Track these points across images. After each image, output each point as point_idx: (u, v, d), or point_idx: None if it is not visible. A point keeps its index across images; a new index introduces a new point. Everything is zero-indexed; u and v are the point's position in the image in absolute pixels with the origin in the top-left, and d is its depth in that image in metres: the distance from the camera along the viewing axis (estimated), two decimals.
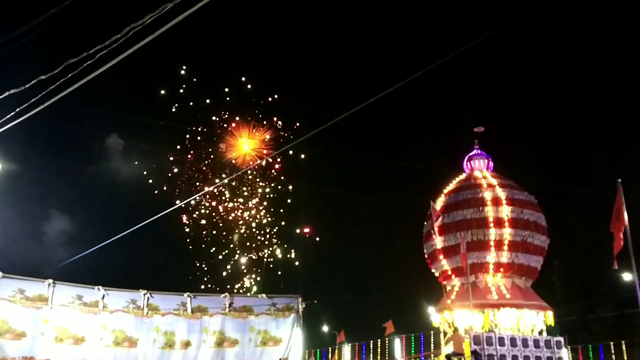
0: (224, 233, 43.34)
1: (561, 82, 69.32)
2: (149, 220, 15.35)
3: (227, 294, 12.01)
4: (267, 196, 43.28)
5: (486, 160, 38.27)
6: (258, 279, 45.46)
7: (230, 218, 41.92)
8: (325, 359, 42.81)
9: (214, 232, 42.53)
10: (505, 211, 34.25)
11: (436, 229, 33.99)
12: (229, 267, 44.62)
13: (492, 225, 33.93)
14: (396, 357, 37.13)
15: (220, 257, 44.45)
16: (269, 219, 45.28)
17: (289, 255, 46.04)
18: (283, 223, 46.31)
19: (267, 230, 45.68)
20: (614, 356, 34.70)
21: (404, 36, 73.63)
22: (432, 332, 35.72)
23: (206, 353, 11.35)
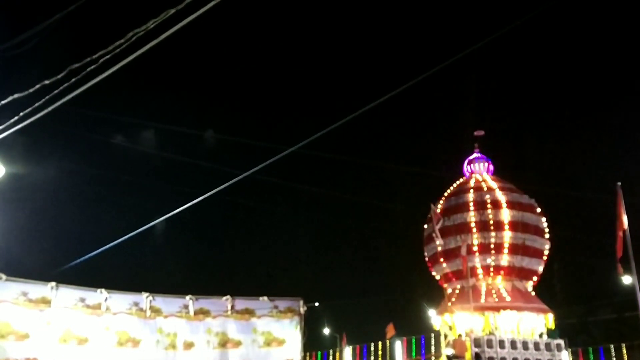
0: None
1: (561, 86, 69.44)
2: (151, 223, 15.45)
3: (228, 296, 12.06)
4: None
5: (486, 164, 38.37)
6: None
7: None
8: None
9: None
10: (505, 214, 34.34)
11: (437, 232, 34.09)
12: None
13: (492, 228, 34.01)
14: (397, 359, 37.17)
15: None
16: None
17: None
18: None
19: None
20: (614, 359, 34.76)
21: (405, 40, 73.77)
22: (432, 334, 35.81)
23: (210, 354, 11.41)
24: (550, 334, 33.74)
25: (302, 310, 12.30)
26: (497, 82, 71.63)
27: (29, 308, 10.56)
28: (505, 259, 33.87)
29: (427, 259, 37.12)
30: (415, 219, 38.84)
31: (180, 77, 73.90)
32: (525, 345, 31.07)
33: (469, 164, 38.77)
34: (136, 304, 11.36)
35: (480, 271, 34.03)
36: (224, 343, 11.63)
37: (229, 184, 13.82)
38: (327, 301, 39.33)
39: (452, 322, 34.20)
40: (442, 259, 35.38)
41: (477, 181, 37.00)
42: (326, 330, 44.55)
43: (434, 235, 34.29)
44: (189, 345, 11.42)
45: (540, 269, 35.39)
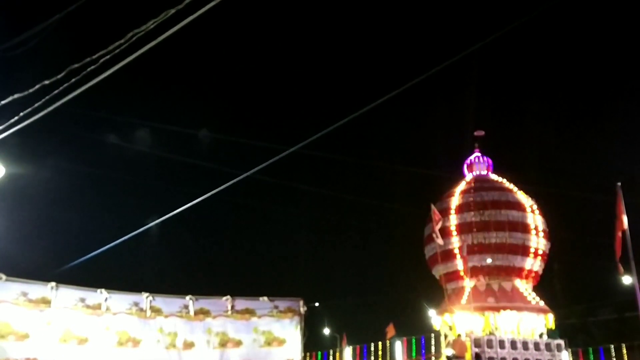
0: None
1: (561, 86, 69.42)
2: (152, 223, 15.44)
3: (228, 296, 12.05)
4: None
5: (486, 164, 38.35)
6: None
7: None
8: None
9: None
10: (506, 214, 34.32)
11: (437, 232, 34.04)
12: None
13: (492, 228, 34.01)
14: (397, 359, 37.15)
15: None
16: None
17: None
18: None
19: None
20: (614, 359, 34.73)
21: (405, 41, 73.74)
22: (432, 334, 35.78)
23: (210, 354, 11.40)
24: (551, 334, 33.72)
25: (302, 310, 12.29)
26: (497, 82, 71.65)
27: (29, 308, 10.55)
28: (505, 259, 33.84)
29: (427, 259, 37.10)
30: (415, 219, 38.82)
31: (181, 77, 73.95)
32: (525, 345, 31.06)
33: (469, 164, 38.75)
34: (136, 304, 11.35)
35: (480, 271, 34.00)
36: (224, 343, 11.62)
37: (229, 184, 13.81)
38: (327, 301, 39.33)
39: (452, 322, 34.17)
40: (442, 259, 35.35)
41: (477, 181, 36.98)
42: (326, 331, 44.52)
43: (434, 235, 34.24)
44: (189, 345, 11.41)
45: (541, 269, 35.36)
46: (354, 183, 70.09)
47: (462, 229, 34.44)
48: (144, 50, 7.98)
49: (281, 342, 11.92)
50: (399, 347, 37.15)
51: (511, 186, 36.63)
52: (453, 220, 34.91)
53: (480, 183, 36.72)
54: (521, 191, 36.36)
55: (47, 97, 8.72)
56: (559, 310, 36.19)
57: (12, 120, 9.06)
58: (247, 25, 71.89)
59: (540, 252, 34.92)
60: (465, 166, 38.87)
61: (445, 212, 35.04)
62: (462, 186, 37.19)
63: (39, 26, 9.94)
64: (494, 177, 37.76)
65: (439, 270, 36.19)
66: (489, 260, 33.82)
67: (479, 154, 38.75)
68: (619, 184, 16.86)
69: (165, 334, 11.34)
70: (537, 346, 31.33)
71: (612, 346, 35.32)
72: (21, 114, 8.94)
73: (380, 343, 38.93)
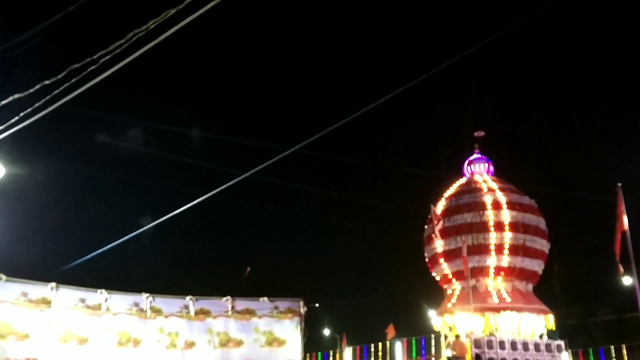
0: None
1: (561, 86, 69.48)
2: (152, 224, 15.45)
3: (229, 297, 12.07)
4: None
5: (486, 165, 38.32)
6: None
7: None
8: None
9: None
10: (506, 215, 34.30)
11: (437, 232, 33.98)
12: None
13: (492, 229, 33.98)
14: None
15: None
16: None
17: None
18: None
19: None
20: None
21: (405, 41, 73.80)
22: (432, 335, 35.75)
23: (211, 353, 11.42)
24: (551, 334, 33.70)
25: (302, 310, 12.31)
26: (497, 83, 71.72)
27: (29, 308, 10.56)
28: (505, 260, 33.80)
29: (427, 259, 37.06)
30: (415, 219, 38.76)
31: (181, 77, 73.94)
32: (525, 346, 31.02)
33: (469, 164, 38.73)
34: (136, 305, 11.37)
35: (480, 272, 33.97)
36: (225, 342, 11.64)
37: (230, 184, 13.83)
38: (327, 302, 39.34)
39: (452, 323, 34.13)
40: (442, 260, 35.33)
41: (477, 182, 36.96)
42: (326, 331, 44.51)
43: (433, 236, 34.21)
44: (190, 345, 11.42)
45: (541, 269, 35.34)
46: (354, 183, 70.13)
47: (462, 229, 34.36)
48: (144, 50, 8.00)
49: (281, 342, 11.94)
50: (399, 347, 37.13)
51: (511, 186, 36.59)
52: (453, 220, 34.85)
53: (480, 183, 36.68)
54: (521, 191, 36.34)
55: (47, 97, 8.73)
56: (559, 311, 36.15)
57: (12, 121, 9.07)
58: (247, 25, 71.93)
59: (540, 252, 34.89)
60: (465, 167, 38.83)
61: (445, 213, 35.02)
62: (462, 186, 37.15)
63: (39, 26, 9.95)
64: (494, 177, 37.73)
65: (439, 271, 36.15)
66: (489, 261, 33.79)
67: (479, 155, 38.71)
68: (619, 184, 16.88)
69: (166, 334, 11.34)
70: (537, 347, 31.29)
71: (612, 347, 35.32)
72: (21, 113, 8.95)
73: (380, 344, 38.93)
